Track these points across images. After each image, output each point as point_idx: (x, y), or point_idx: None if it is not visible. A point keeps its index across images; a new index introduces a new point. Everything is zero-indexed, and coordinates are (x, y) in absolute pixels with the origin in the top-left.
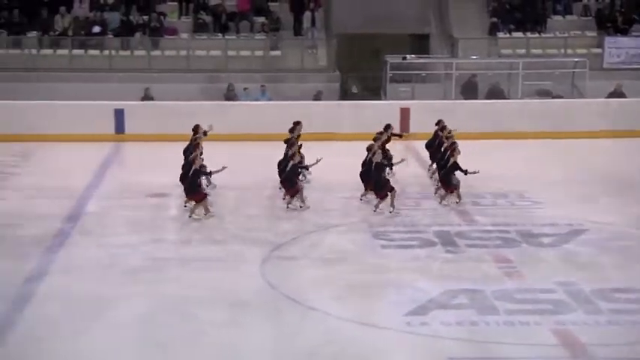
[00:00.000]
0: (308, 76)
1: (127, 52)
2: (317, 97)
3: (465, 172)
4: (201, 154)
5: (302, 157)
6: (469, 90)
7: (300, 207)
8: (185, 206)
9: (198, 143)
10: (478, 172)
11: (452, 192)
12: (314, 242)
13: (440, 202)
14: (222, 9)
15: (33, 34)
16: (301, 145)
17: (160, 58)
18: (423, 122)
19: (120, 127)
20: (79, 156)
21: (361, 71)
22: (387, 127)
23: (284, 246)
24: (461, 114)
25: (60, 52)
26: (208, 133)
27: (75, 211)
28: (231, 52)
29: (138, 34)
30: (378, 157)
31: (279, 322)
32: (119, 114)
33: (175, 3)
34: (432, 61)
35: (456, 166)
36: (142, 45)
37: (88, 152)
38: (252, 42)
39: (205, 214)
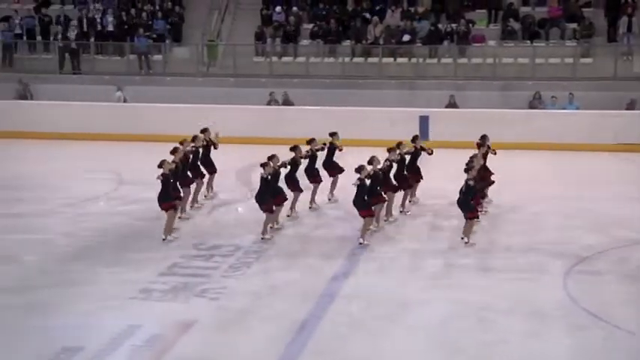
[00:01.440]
0: (620, 84)
1: (434, 60)
2: (630, 106)
3: None
4: (189, 160)
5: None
6: None
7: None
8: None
9: (191, 149)
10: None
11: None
12: (621, 257)
13: None
14: (531, 19)
15: (347, 43)
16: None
17: (466, 66)
18: None
19: (424, 134)
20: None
21: None
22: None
23: (588, 260)
24: None
25: (371, 60)
26: (217, 139)
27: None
28: (538, 60)
29: (446, 42)
30: None
31: (579, 337)
32: (424, 120)
33: (484, 11)
34: None
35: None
36: (449, 53)
37: None
38: (562, 49)
39: (165, 231)
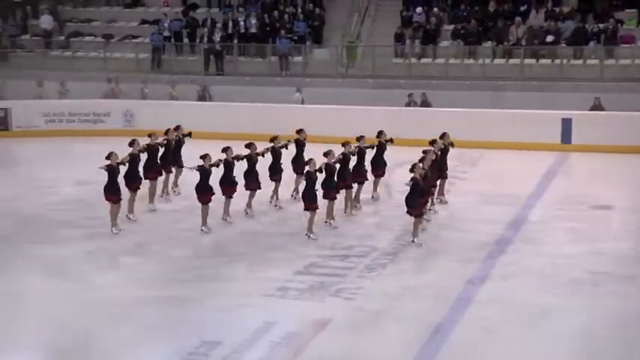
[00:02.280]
0: None
1: (579, 61)
2: None
3: None
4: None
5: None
6: None
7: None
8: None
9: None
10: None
11: None
12: None
13: None
14: None
15: (487, 44)
16: None
17: (613, 67)
18: None
19: (566, 137)
20: (524, 164)
21: None
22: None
23: None
24: None
25: (512, 61)
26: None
27: (518, 218)
28: None
29: (592, 43)
30: None
31: None
32: (566, 123)
33: (634, 10)
34: None
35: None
36: (595, 54)
37: (533, 160)
38: None
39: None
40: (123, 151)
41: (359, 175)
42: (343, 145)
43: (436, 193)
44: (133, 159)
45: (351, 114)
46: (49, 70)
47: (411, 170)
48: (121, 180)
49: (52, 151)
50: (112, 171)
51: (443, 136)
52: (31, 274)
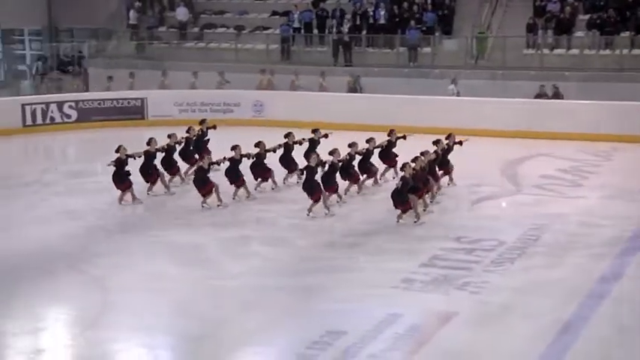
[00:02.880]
0: None
1: None
2: None
3: None
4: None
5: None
6: None
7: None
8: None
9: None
10: None
11: None
12: None
13: None
14: None
15: (625, 34)
16: None
17: None
18: None
19: None
20: None
21: None
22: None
23: None
24: None
25: None
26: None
27: None
28: None
29: None
30: None
31: None
32: None
33: None
34: None
35: None
36: None
37: None
38: None
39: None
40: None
41: (363, 171)
42: (350, 145)
43: (435, 189)
44: (149, 156)
45: (477, 106)
46: (182, 60)
47: (402, 169)
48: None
49: None
50: (120, 164)
51: (449, 136)
52: (166, 260)
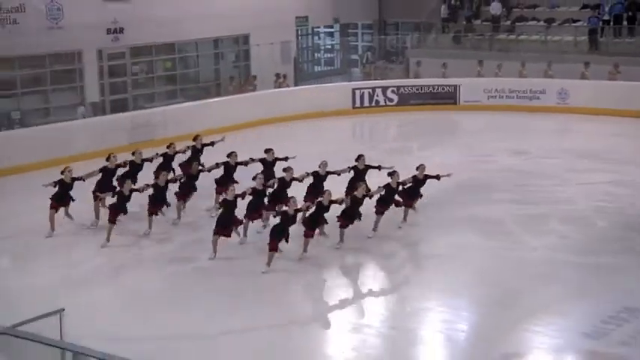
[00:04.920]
0: None
1: None
2: None
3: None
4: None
5: None
6: None
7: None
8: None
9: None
10: None
11: None
12: None
13: None
14: None
15: None
16: None
17: None
18: None
19: None
20: None
21: None
22: None
23: None
24: None
25: None
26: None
27: None
28: None
29: None
30: None
31: None
32: None
33: None
34: None
35: None
36: None
37: None
38: None
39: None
40: None
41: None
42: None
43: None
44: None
45: None
46: (494, 51)
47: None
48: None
49: (492, 123)
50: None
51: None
52: (469, 232)
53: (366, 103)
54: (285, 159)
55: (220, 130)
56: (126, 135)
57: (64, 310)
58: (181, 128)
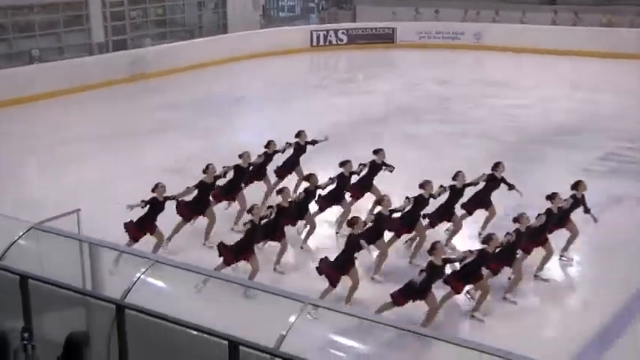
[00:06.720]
0: None
1: None
2: None
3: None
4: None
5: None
6: None
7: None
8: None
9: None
10: None
11: None
12: None
13: None
14: None
15: None
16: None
17: None
18: None
19: None
20: None
21: None
22: None
23: None
24: None
25: None
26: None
27: None
28: None
29: None
30: None
31: None
32: None
33: None
34: None
35: None
36: None
37: None
38: None
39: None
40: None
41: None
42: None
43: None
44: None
45: None
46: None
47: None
48: None
49: (422, 59)
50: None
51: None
52: (403, 146)
53: (322, 43)
54: (313, 143)
55: (201, 66)
56: (126, 68)
57: (80, 210)
58: (170, 63)
